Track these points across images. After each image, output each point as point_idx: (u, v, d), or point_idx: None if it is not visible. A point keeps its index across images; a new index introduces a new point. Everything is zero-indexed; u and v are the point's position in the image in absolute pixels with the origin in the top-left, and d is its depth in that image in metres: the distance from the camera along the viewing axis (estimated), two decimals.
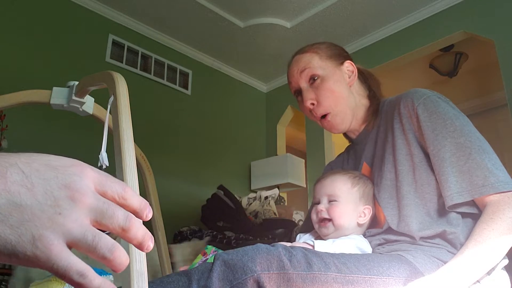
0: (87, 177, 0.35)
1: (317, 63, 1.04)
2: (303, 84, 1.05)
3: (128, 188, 0.38)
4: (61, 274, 0.32)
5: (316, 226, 0.97)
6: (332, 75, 1.04)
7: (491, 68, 3.40)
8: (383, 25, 3.02)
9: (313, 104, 1.03)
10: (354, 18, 2.93)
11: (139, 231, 0.36)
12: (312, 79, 1.03)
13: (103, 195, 0.36)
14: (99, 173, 0.37)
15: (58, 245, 0.32)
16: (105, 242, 0.33)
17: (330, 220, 0.94)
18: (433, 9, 2.81)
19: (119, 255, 0.34)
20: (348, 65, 1.08)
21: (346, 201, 0.94)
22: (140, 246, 0.37)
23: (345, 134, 1.16)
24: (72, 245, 0.33)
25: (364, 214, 0.95)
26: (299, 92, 1.07)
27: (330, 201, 0.95)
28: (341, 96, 1.02)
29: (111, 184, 0.37)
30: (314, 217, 0.97)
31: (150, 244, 0.37)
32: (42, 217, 0.32)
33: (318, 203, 0.97)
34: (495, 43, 2.48)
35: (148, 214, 0.38)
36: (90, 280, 0.32)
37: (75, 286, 0.32)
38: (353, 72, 1.08)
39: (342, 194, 0.95)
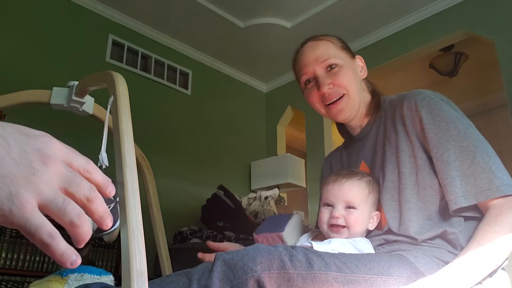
0: (55, 147, 0.37)
1: (335, 53, 1.03)
2: (320, 71, 1.02)
3: (92, 163, 0.40)
4: (32, 233, 0.33)
5: (324, 228, 0.95)
6: (349, 65, 1.04)
7: (491, 68, 3.40)
8: (383, 25, 3.02)
9: (329, 88, 1.01)
10: (354, 18, 2.93)
11: (101, 206, 0.38)
12: (330, 67, 1.02)
13: (70, 166, 0.38)
14: (66, 146, 0.38)
15: (32, 203, 0.33)
16: (73, 207, 0.35)
17: (344, 226, 0.92)
18: (433, 9, 2.81)
19: (85, 221, 0.36)
20: (358, 60, 1.09)
21: (363, 209, 0.93)
22: (100, 221, 0.38)
23: (344, 132, 1.15)
24: (42, 207, 0.34)
25: (373, 219, 0.95)
26: (310, 80, 1.05)
27: (347, 208, 0.93)
28: (356, 85, 1.02)
29: (77, 157, 0.39)
30: (325, 219, 0.94)
31: (109, 221, 0.39)
32: (18, 175, 0.33)
33: (331, 206, 0.95)
34: (495, 43, 2.48)
35: (111, 190, 0.40)
36: (58, 242, 0.33)
37: (43, 246, 0.33)
38: (363, 67, 1.09)
39: (361, 202, 0.93)
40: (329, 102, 1.02)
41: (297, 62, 1.08)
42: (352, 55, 1.08)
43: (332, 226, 0.93)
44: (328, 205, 0.96)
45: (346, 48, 1.07)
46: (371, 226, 0.95)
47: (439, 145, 0.87)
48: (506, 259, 0.81)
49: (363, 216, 0.93)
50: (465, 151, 0.84)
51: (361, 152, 1.06)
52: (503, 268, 0.84)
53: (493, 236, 0.76)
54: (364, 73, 1.09)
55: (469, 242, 0.79)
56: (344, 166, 1.12)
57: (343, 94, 1.01)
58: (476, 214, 0.85)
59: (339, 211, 0.93)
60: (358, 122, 1.07)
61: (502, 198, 0.80)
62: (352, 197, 0.93)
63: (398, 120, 0.95)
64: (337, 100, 1.01)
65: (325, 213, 0.95)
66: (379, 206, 0.96)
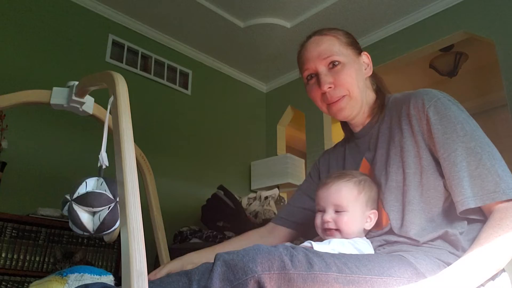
0: None
1: (338, 49, 1.01)
2: (322, 68, 1.01)
3: None
4: None
5: (319, 232, 0.96)
6: (353, 63, 1.02)
7: (491, 68, 3.40)
8: (383, 25, 3.02)
9: (330, 87, 1.00)
10: (354, 18, 2.93)
11: None
12: (332, 64, 1.00)
13: None
14: None
15: None
16: None
17: (337, 229, 0.92)
18: (433, 9, 2.81)
19: None
20: (365, 57, 1.07)
21: (353, 210, 0.93)
22: None
23: (347, 128, 1.15)
24: None
25: (370, 218, 0.94)
26: (312, 76, 1.04)
27: (337, 211, 0.93)
28: (358, 85, 1.01)
29: None
30: (318, 224, 0.95)
31: None
32: None
33: (323, 211, 0.95)
34: (495, 43, 2.48)
35: None
36: None
37: None
38: (368, 64, 1.07)
39: (349, 204, 0.93)
40: (329, 103, 1.02)
41: (300, 56, 1.07)
42: (359, 51, 1.06)
43: (325, 230, 0.94)
44: (321, 211, 0.96)
45: (352, 44, 1.05)
46: (368, 226, 0.94)
47: (446, 145, 0.86)
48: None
49: (354, 217, 0.92)
50: (472, 153, 0.84)
51: (362, 150, 1.06)
52: (504, 270, 0.83)
53: (497, 239, 0.75)
54: (369, 71, 1.07)
55: (472, 244, 0.78)
56: (345, 162, 1.12)
57: (344, 95, 1.00)
58: (480, 217, 0.85)
59: (329, 215, 0.93)
60: (360, 120, 1.06)
61: (507, 202, 0.79)
62: (340, 200, 0.93)
63: (404, 119, 0.95)
64: (339, 99, 1.01)
65: (318, 218, 0.96)
66: (379, 205, 0.96)
